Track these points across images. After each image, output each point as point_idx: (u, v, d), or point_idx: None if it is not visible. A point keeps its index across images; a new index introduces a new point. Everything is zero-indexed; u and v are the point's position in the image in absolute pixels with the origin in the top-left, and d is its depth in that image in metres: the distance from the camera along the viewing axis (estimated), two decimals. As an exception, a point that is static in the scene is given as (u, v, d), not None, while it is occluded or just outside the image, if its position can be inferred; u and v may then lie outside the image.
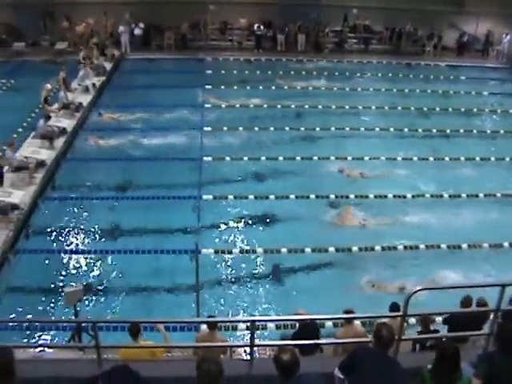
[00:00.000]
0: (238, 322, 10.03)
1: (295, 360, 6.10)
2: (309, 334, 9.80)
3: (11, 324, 13.10)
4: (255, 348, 8.39)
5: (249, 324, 8.31)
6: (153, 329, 10.86)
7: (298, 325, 10.66)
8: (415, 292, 7.93)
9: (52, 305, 14.42)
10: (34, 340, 12.87)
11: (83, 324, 11.52)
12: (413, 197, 19.81)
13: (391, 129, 25.40)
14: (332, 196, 19.53)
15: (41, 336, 13.14)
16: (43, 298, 14.69)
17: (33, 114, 25.58)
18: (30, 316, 13.49)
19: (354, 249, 16.80)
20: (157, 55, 35.81)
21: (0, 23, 36.66)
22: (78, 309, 11.77)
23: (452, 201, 19.78)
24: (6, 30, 36.76)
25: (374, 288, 15.25)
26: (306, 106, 27.68)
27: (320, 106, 27.73)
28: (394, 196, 19.77)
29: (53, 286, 15.18)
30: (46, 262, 16.28)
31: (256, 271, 16.04)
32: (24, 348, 10.85)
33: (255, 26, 36.45)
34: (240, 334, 12.77)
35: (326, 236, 17.48)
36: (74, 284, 13.67)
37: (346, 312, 9.93)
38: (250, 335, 8.04)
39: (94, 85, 28.99)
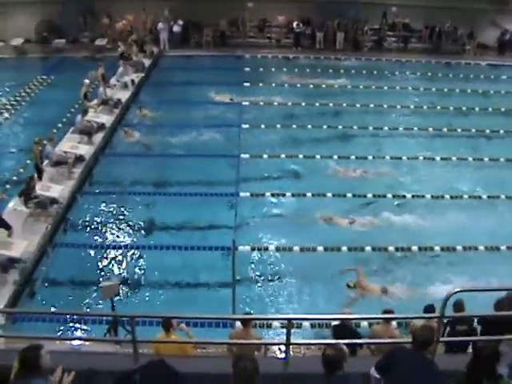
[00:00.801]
0: (274, 319, 9.99)
1: (339, 356, 6.12)
2: (347, 333, 9.75)
3: (48, 316, 13.27)
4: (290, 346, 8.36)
5: (285, 322, 8.24)
6: (188, 323, 10.89)
7: (335, 323, 10.60)
8: (454, 293, 7.85)
9: (89, 299, 14.56)
10: (70, 333, 13.06)
11: (120, 318, 11.61)
12: (451, 197, 19.56)
13: (430, 128, 25.10)
14: (369, 195, 19.38)
15: (77, 329, 13.31)
16: (80, 292, 14.84)
17: (72, 110, 25.83)
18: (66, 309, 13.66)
19: (390, 248, 16.66)
20: (195, 52, 35.84)
21: (41, 20, 37.09)
22: (114, 304, 11.84)
23: (491, 202, 19.46)
24: (47, 26, 37.17)
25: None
26: (344, 105, 27.52)
27: (358, 105, 27.57)
28: (432, 196, 19.54)
29: (89, 280, 15.31)
30: (83, 256, 16.47)
31: (292, 269, 15.95)
32: (61, 340, 10.96)
33: (294, 24, 36.25)
34: (274, 332, 12.85)
35: (363, 233, 17.33)
36: (110, 278, 13.82)
37: (385, 312, 9.85)
38: (286, 333, 8.01)
39: (132, 81, 29.20)
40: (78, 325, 13.43)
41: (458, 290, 7.91)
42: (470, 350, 8.97)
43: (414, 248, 16.74)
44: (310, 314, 10.58)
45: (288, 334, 7.93)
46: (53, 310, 13.26)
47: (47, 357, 6.41)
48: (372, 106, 27.42)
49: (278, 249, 16.69)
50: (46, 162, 19.71)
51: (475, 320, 10.22)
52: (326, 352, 6.22)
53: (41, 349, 6.46)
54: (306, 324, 13.02)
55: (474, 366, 6.76)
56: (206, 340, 10.30)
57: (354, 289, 14.76)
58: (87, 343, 11.01)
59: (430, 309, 10.36)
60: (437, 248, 16.75)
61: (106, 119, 24.19)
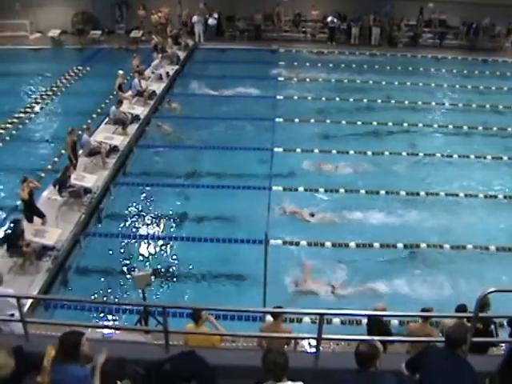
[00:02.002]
0: (306, 314, 9.90)
1: (372, 353, 6.10)
2: (380, 329, 9.68)
3: (80, 305, 13.40)
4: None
5: (317, 317, 8.20)
6: (218, 316, 10.89)
7: (367, 320, 10.53)
8: (488, 293, 7.76)
9: (120, 288, 14.67)
10: (101, 322, 13.17)
11: (151, 308, 11.68)
12: (485, 197, 19.33)
13: (465, 127, 24.78)
14: (402, 192, 19.22)
15: (108, 319, 13.42)
16: (112, 282, 14.94)
17: (107, 101, 26.06)
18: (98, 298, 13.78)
19: (423, 245, 16.51)
20: (230, 45, 35.93)
21: (78, 12, 37.46)
22: (146, 294, 11.89)
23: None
24: (83, 18, 37.57)
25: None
26: (379, 101, 27.33)
27: (392, 101, 27.36)
28: (466, 195, 19.32)
29: (121, 269, 15.43)
30: (116, 245, 16.51)
31: (324, 264, 15.88)
32: (93, 328, 11.04)
33: (329, 19, 36.10)
34: (303, 327, 12.83)
35: (395, 232, 17.21)
36: (142, 268, 13.90)
37: (424, 310, 9.77)
38: (317, 328, 7.98)
39: (167, 73, 29.32)
40: (109, 314, 13.54)
41: (493, 289, 7.80)
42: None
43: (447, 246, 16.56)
44: (343, 310, 10.49)
45: (320, 329, 7.90)
46: (85, 298, 13.35)
47: (87, 344, 6.47)
48: (406, 102, 27.13)
49: (309, 243, 16.57)
50: (80, 151, 19.85)
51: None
52: (360, 348, 6.19)
53: (82, 335, 6.52)
54: (337, 321, 13.05)
55: (506, 367, 6.69)
56: (237, 333, 10.27)
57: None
58: (118, 332, 11.05)
59: (462, 308, 10.25)
60: (470, 247, 16.54)
61: (141, 110, 24.31)
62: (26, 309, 10.78)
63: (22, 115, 25.51)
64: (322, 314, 7.82)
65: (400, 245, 16.42)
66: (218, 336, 9.39)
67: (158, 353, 8.15)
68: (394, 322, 12.71)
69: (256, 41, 36.61)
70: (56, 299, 14.34)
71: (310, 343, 10.35)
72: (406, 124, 24.66)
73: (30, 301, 12.68)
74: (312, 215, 17.94)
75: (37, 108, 26.55)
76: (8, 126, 24.23)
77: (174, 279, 15.16)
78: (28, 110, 26.22)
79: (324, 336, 8.02)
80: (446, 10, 36.51)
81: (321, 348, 8.29)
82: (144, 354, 8.09)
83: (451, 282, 14.91)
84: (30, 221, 15.84)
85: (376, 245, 16.44)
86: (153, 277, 12.13)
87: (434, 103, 27.45)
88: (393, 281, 14.86)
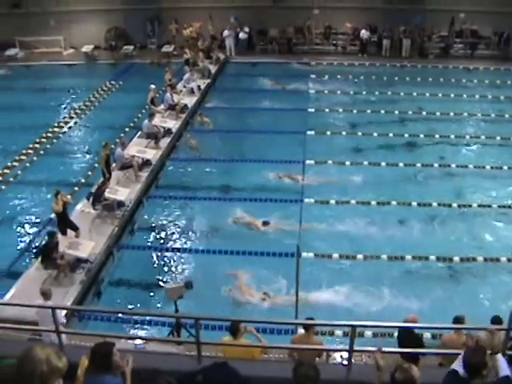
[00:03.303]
0: (338, 325, 9.85)
1: (409, 381, 6.03)
2: (411, 341, 9.59)
3: (113, 316, 13.53)
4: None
5: (349, 329, 8.18)
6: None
7: (398, 332, 10.44)
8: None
9: (152, 301, 14.77)
10: (134, 332, 13.27)
11: (184, 320, 11.73)
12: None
13: (497, 137, 24.54)
14: (434, 204, 19.10)
15: (141, 330, 13.50)
16: (144, 294, 15.06)
17: (139, 115, 26.39)
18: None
19: (456, 259, 16.35)
20: (261, 59, 36.11)
21: (111, 27, 37.98)
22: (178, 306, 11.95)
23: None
24: (116, 33, 38.07)
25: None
26: (410, 112, 27.20)
27: (424, 113, 27.22)
28: (499, 206, 19.13)
29: (154, 281, 15.53)
30: (148, 258, 16.69)
31: (355, 277, 15.81)
32: (125, 338, 11.14)
33: (361, 31, 36.09)
34: (335, 340, 12.78)
35: (429, 243, 17.12)
36: (175, 280, 13.99)
37: (457, 319, 9.68)
38: (349, 340, 7.96)
39: (199, 87, 29.51)
40: (141, 326, 13.63)
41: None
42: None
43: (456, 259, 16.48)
44: (375, 321, 10.42)
45: (351, 341, 7.88)
46: (118, 308, 13.50)
47: (118, 354, 6.55)
48: (438, 113, 26.97)
49: (341, 256, 16.51)
50: (113, 165, 20.07)
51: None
52: (396, 376, 6.11)
53: (113, 346, 6.60)
54: (369, 334, 12.98)
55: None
56: (270, 344, 10.27)
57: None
58: (150, 343, 11.12)
59: (497, 320, 10.14)
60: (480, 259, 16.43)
61: (173, 124, 24.51)
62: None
63: (56, 129, 25.92)
64: (353, 326, 7.79)
65: (433, 257, 16.29)
66: (258, 348, 9.40)
67: (191, 364, 8.18)
68: (427, 335, 12.61)
69: (287, 54, 36.68)
70: (90, 310, 14.48)
71: (341, 356, 10.28)
72: (437, 135, 24.50)
73: (64, 312, 12.81)
74: (265, 224, 18.01)
75: (71, 122, 26.94)
76: (43, 140, 24.61)
77: (206, 292, 15.18)
78: (62, 124, 26.63)
79: (356, 348, 7.99)
80: (477, 20, 36.17)
81: (353, 360, 8.26)
82: (176, 365, 8.13)
83: (484, 295, 14.80)
84: (64, 233, 16.05)
85: (408, 257, 16.33)
86: (185, 289, 12.18)
87: (465, 114, 27.19)
88: (418, 293, 14.79)
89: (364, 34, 36.05)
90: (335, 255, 16.50)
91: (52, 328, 8.98)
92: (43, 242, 15.84)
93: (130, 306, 14.26)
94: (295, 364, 6.05)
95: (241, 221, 18.30)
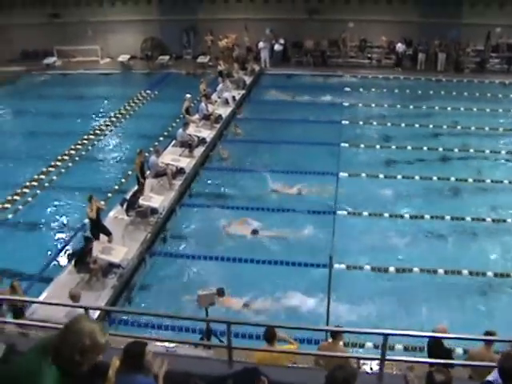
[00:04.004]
0: (369, 333, 9.73)
1: (448, 381, 5.95)
2: (441, 352, 9.47)
3: (144, 321, 13.58)
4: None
5: (379, 341, 8.08)
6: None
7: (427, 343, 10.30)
8: None
9: (184, 307, 14.74)
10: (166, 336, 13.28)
11: (215, 325, 11.72)
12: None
13: (534, 153, 24.27)
14: (468, 218, 18.89)
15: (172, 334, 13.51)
16: (176, 300, 15.04)
17: (174, 124, 26.60)
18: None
19: (489, 274, 16.11)
20: (296, 71, 36.19)
21: (146, 38, 38.40)
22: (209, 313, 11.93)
23: None
24: (151, 44, 38.49)
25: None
26: (444, 126, 26.98)
27: (459, 127, 26.98)
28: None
29: (185, 288, 15.50)
30: (180, 265, 16.70)
31: (386, 290, 15.70)
32: (157, 341, 11.14)
33: (398, 45, 35.96)
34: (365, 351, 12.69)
35: (462, 257, 16.94)
36: (206, 287, 13.95)
37: (487, 334, 9.55)
38: (381, 348, 7.85)
39: (233, 98, 29.63)
40: (171, 332, 13.63)
41: None
42: None
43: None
44: (408, 330, 10.31)
45: (383, 349, 7.79)
46: (150, 311, 13.54)
47: (151, 354, 6.54)
48: (473, 128, 26.67)
49: (373, 269, 16.44)
50: (147, 172, 20.21)
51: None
52: (437, 378, 6.02)
53: (146, 345, 6.59)
54: (400, 347, 12.84)
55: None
56: (299, 351, 10.21)
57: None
58: (181, 347, 11.11)
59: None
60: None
61: (207, 133, 24.62)
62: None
63: (91, 137, 26.27)
64: (386, 335, 7.68)
65: (465, 272, 16.08)
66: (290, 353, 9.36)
67: (221, 368, 8.16)
68: (459, 351, 12.39)
69: (321, 67, 36.69)
70: (122, 311, 14.66)
71: (371, 368, 10.18)
72: (472, 150, 24.25)
73: (95, 315, 12.88)
74: (254, 232, 18.05)
75: (106, 130, 27.24)
76: (78, 146, 24.94)
77: (237, 300, 15.18)
78: (97, 131, 26.96)
79: (388, 357, 7.89)
80: (514, 34, 35.94)
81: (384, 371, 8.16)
82: (207, 368, 8.10)
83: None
84: (97, 238, 16.16)
85: (440, 271, 16.16)
86: (217, 296, 12.17)
87: (501, 129, 26.87)
88: (451, 308, 14.64)
89: (399, 47, 35.92)
90: (367, 267, 16.40)
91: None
92: (78, 247, 15.98)
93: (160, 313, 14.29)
94: (333, 367, 5.94)
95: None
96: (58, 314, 11.10)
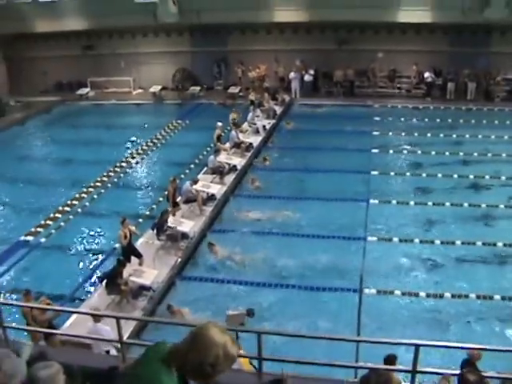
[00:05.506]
0: (400, 344, 9.61)
1: (480, 383, 5.93)
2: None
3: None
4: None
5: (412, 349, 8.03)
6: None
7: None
8: None
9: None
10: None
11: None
12: None
13: None
14: (500, 244, 18.73)
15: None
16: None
17: (205, 152, 26.79)
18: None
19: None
20: (325, 101, 36.35)
21: (178, 69, 38.98)
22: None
23: None
24: (183, 75, 39.11)
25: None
26: (475, 154, 26.82)
27: (489, 154, 26.80)
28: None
29: (215, 312, 15.51)
30: (210, 289, 16.74)
31: (416, 314, 15.57)
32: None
33: (426, 74, 36.01)
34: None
35: (493, 282, 16.78)
36: (236, 308, 14.00)
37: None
38: (413, 360, 7.81)
39: (264, 127, 29.89)
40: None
41: None
42: None
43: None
44: (440, 341, 10.21)
45: (415, 361, 7.75)
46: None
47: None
48: (504, 155, 26.47)
49: (403, 293, 16.34)
50: (179, 198, 20.41)
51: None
52: (468, 377, 6.00)
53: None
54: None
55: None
56: (326, 362, 10.02)
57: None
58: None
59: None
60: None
61: (238, 161, 24.86)
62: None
63: (123, 164, 26.66)
64: (417, 345, 7.66)
65: (497, 297, 15.92)
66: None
67: (251, 379, 8.20)
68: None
69: (350, 97, 36.87)
70: (152, 321, 14.69)
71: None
72: (503, 177, 24.08)
73: (127, 334, 12.90)
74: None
75: (137, 158, 27.60)
76: (110, 174, 25.31)
77: (265, 323, 15.14)
78: (129, 159, 27.35)
79: (419, 369, 7.85)
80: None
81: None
82: (237, 380, 8.09)
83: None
84: (128, 261, 16.30)
85: (472, 296, 16.02)
86: (247, 317, 12.21)
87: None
88: (483, 334, 14.51)
89: (428, 76, 35.94)
90: (397, 292, 16.33)
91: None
92: (109, 269, 16.13)
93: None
94: (369, 371, 5.91)
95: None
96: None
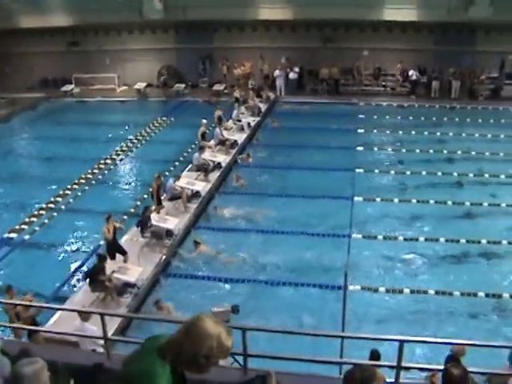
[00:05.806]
0: (385, 340, 9.61)
1: (464, 377, 5.90)
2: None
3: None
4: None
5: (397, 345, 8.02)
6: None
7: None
8: None
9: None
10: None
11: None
12: None
13: (548, 178, 24.18)
14: (483, 241, 18.79)
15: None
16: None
17: (189, 150, 26.78)
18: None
19: (505, 295, 15.97)
20: (310, 99, 36.39)
21: (163, 66, 38.94)
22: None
23: None
24: (168, 72, 38.99)
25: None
26: (459, 152, 26.96)
27: (473, 153, 26.91)
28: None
29: (200, 309, 15.46)
30: (196, 286, 16.69)
31: (400, 312, 15.62)
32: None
33: (410, 72, 36.16)
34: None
35: (477, 279, 16.87)
36: (222, 305, 13.98)
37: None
38: (397, 355, 7.81)
39: (248, 124, 29.89)
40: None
41: None
42: None
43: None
44: (425, 337, 10.25)
45: (400, 357, 7.76)
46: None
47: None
48: (487, 153, 26.62)
49: (387, 290, 16.38)
50: (163, 195, 20.37)
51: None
52: (454, 372, 5.95)
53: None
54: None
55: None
56: (311, 358, 10.00)
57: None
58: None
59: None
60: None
61: (223, 158, 24.84)
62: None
63: (108, 161, 26.58)
64: (402, 341, 7.67)
65: (481, 293, 15.98)
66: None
67: (236, 375, 8.18)
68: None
69: (335, 95, 36.92)
70: (137, 317, 14.73)
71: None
72: (487, 175, 24.21)
73: (111, 331, 12.83)
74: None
75: (122, 155, 27.51)
76: (95, 171, 25.23)
77: (248, 320, 15.12)
78: (114, 156, 27.27)
79: (404, 364, 7.85)
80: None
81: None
82: (224, 376, 8.09)
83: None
84: (113, 258, 16.28)
85: (456, 293, 16.09)
86: (232, 313, 12.19)
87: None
88: (467, 330, 14.55)
89: (412, 74, 36.10)
90: (381, 289, 16.38)
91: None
92: (91, 264, 16.09)
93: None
94: (353, 367, 5.84)
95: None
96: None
